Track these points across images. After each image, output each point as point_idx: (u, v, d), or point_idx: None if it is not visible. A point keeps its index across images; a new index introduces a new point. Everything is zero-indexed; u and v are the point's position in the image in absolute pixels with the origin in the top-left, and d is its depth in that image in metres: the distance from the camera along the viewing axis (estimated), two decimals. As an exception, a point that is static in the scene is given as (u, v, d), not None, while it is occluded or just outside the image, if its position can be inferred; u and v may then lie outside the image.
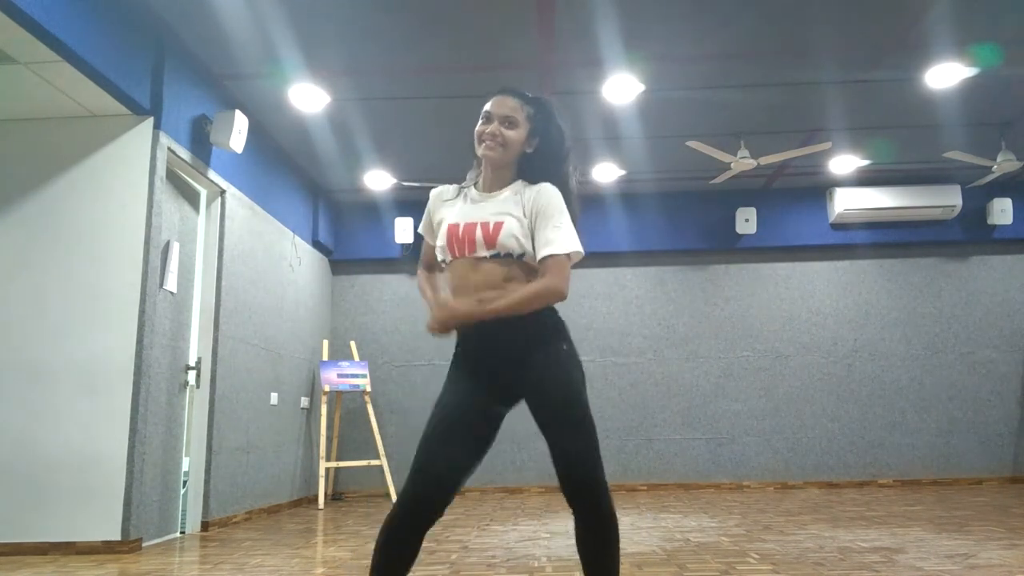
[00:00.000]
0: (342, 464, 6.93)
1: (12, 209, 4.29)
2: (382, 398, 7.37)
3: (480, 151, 1.99)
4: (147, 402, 4.24)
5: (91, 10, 3.77)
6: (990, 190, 7.21)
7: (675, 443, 7.29)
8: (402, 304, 7.56)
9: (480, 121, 2.01)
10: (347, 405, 7.38)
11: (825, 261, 7.58)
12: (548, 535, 4.30)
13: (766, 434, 7.28)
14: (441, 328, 1.90)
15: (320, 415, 6.75)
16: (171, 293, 4.65)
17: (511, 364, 1.90)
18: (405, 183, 6.92)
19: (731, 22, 4.45)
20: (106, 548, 3.96)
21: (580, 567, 1.90)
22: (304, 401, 6.76)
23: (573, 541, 1.87)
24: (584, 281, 7.57)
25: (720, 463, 7.25)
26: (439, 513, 1.79)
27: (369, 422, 6.91)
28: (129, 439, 4.06)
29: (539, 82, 5.12)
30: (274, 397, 6.05)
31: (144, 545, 4.23)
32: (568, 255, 1.90)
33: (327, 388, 6.70)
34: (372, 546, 1.82)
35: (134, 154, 4.32)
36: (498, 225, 1.91)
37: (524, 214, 1.94)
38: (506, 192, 1.99)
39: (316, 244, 7.18)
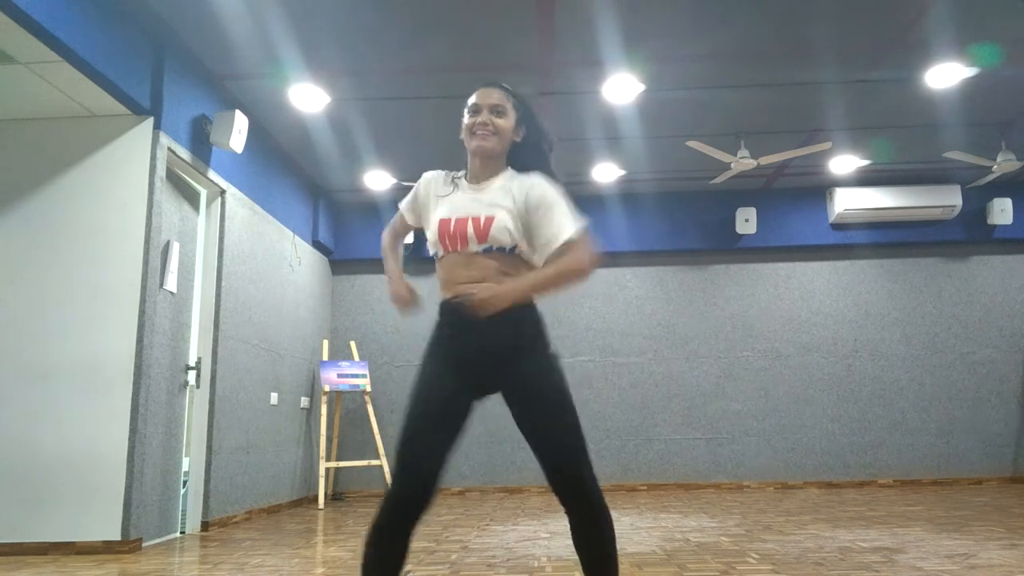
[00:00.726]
0: (342, 464, 6.93)
1: (12, 209, 4.29)
2: (382, 398, 7.37)
3: (473, 143, 1.98)
4: (147, 402, 4.24)
5: (91, 10, 3.77)
6: (990, 190, 7.21)
7: (675, 443, 7.29)
8: (402, 304, 7.54)
9: (467, 115, 2.00)
10: (347, 405, 7.38)
11: (825, 261, 7.58)
12: (548, 535, 4.29)
13: (766, 434, 7.28)
14: (406, 304, 2.07)
15: (320, 415, 6.75)
16: (171, 293, 4.65)
17: (498, 362, 1.89)
18: (405, 183, 6.92)
19: (731, 22, 4.45)
20: (106, 548, 3.96)
21: (579, 567, 1.90)
22: (304, 401, 6.76)
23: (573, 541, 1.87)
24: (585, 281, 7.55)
25: (720, 463, 7.25)
26: (426, 509, 1.79)
27: (369, 422, 6.91)
28: (129, 439, 4.06)
29: (539, 82, 5.12)
30: (274, 397, 6.05)
31: (144, 545, 4.23)
32: (586, 234, 1.87)
33: (327, 388, 6.71)
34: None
35: (134, 154, 4.32)
36: (489, 219, 1.91)
37: (515, 205, 1.93)
38: (496, 182, 1.99)
39: (316, 244, 7.18)
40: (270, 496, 5.91)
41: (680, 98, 5.41)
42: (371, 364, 7.39)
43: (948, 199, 7.11)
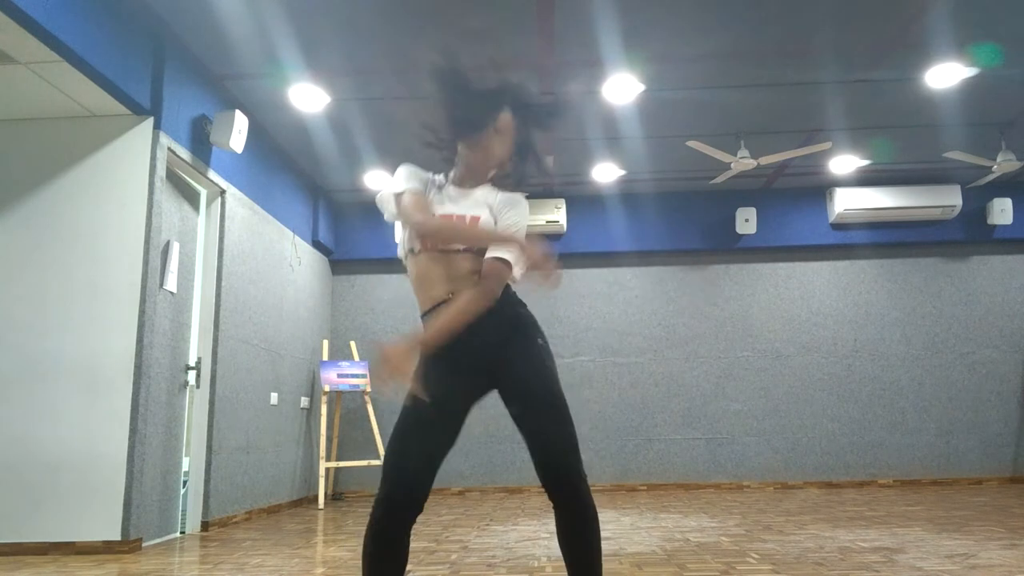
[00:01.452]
0: (342, 464, 6.93)
1: (12, 209, 4.29)
2: (382, 398, 7.37)
3: (465, 148, 1.97)
4: (147, 402, 4.24)
5: (91, 10, 3.77)
6: (990, 190, 7.21)
7: (675, 443, 7.29)
8: (402, 304, 7.56)
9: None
10: (347, 405, 7.38)
11: (825, 261, 7.58)
12: (548, 535, 4.29)
13: (766, 434, 7.28)
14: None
15: (320, 415, 6.75)
16: (171, 293, 4.65)
17: (491, 356, 1.88)
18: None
19: (731, 22, 4.45)
20: (106, 548, 3.96)
21: (565, 563, 1.88)
22: (304, 401, 6.76)
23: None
24: (584, 281, 7.57)
25: (720, 463, 7.25)
26: (418, 511, 1.77)
27: (369, 422, 6.91)
28: (129, 439, 4.06)
29: (539, 82, 5.12)
30: (274, 397, 6.05)
31: (144, 545, 4.23)
32: (509, 265, 1.84)
33: (327, 388, 6.71)
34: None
35: (134, 154, 4.32)
36: (475, 219, 1.91)
37: (492, 213, 1.94)
38: (479, 192, 1.99)
39: (316, 244, 7.18)
40: (270, 496, 5.91)
41: (680, 98, 5.40)
42: (371, 364, 7.38)
43: (948, 199, 7.11)
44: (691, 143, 5.81)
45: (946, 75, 5.08)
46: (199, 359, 5.00)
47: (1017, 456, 7.16)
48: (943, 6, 4.29)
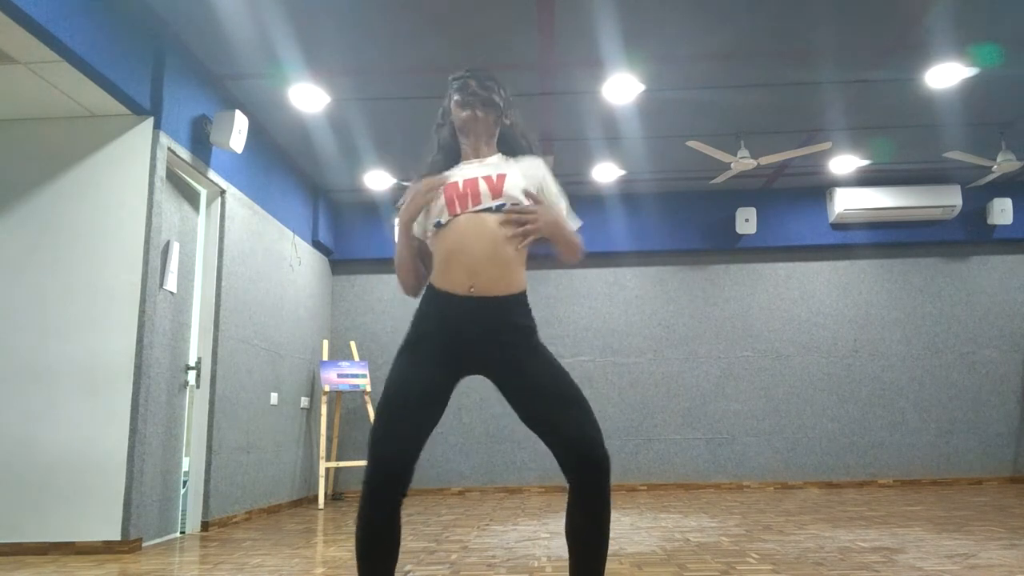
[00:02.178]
0: (342, 464, 6.93)
1: (12, 209, 4.29)
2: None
3: (464, 114, 1.97)
4: (147, 402, 4.24)
5: (91, 10, 3.77)
6: (990, 190, 7.21)
7: (675, 443, 7.29)
8: (402, 304, 7.56)
9: (455, 94, 1.99)
10: (347, 405, 7.38)
11: (825, 261, 7.58)
12: (548, 535, 4.29)
13: (766, 434, 7.28)
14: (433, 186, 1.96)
15: (320, 415, 6.75)
16: (171, 293, 4.65)
17: (496, 347, 1.87)
18: (405, 183, 6.92)
19: (731, 22, 4.45)
20: (106, 548, 3.96)
21: (571, 555, 1.85)
22: (304, 401, 6.77)
23: (564, 538, 1.86)
24: (584, 281, 7.57)
25: (720, 463, 7.25)
26: (403, 491, 1.80)
27: (369, 422, 6.90)
28: (129, 439, 4.06)
29: (539, 82, 5.12)
30: (274, 397, 6.05)
31: (144, 545, 4.23)
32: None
33: (327, 388, 6.71)
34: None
35: (134, 154, 4.32)
36: (501, 176, 1.92)
37: (525, 172, 1.97)
38: (494, 158, 2.00)
39: (316, 244, 7.18)
40: (270, 496, 5.91)
41: (680, 98, 5.41)
42: (371, 364, 7.38)
43: (948, 199, 7.11)
44: (691, 143, 5.81)
45: (946, 75, 5.08)
46: (199, 359, 5.00)
47: (1017, 456, 7.16)
48: (943, 6, 4.29)
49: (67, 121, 4.35)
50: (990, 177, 6.59)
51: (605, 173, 6.88)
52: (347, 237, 7.64)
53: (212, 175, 5.03)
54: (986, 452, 7.18)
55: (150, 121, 4.36)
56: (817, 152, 6.10)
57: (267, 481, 5.86)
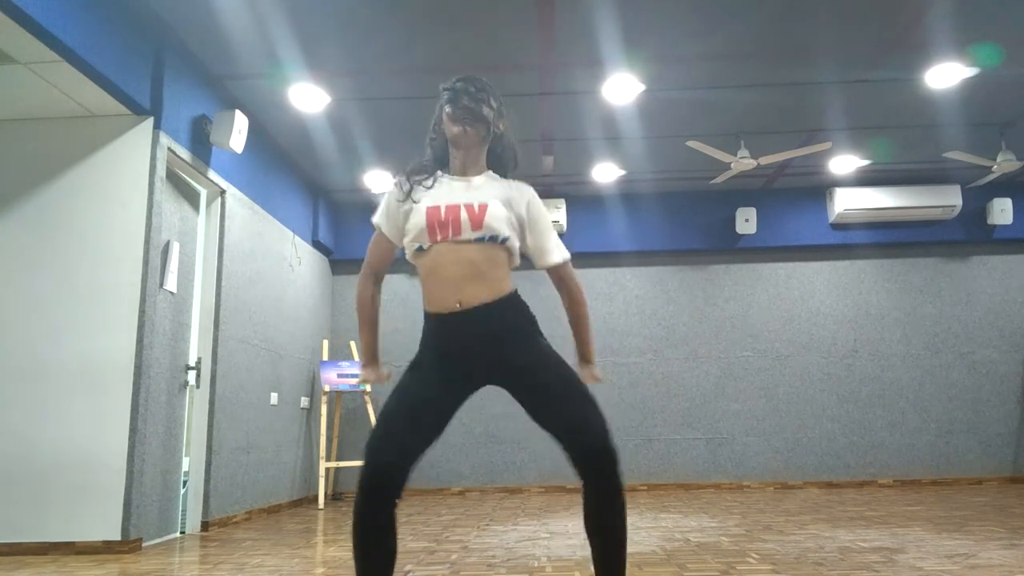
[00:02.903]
0: (342, 464, 6.93)
1: (12, 209, 4.29)
2: (382, 398, 7.36)
3: (455, 129, 1.97)
4: (147, 402, 4.24)
5: (91, 10, 3.77)
6: (990, 190, 7.21)
7: (675, 443, 7.29)
8: (402, 304, 7.56)
9: (447, 106, 1.98)
10: (347, 405, 7.38)
11: (825, 261, 7.58)
12: (548, 535, 4.29)
13: (766, 434, 7.28)
14: (374, 381, 2.12)
15: (320, 415, 6.75)
16: (171, 293, 4.65)
17: (496, 353, 1.89)
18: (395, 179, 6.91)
19: (731, 22, 4.45)
20: (106, 548, 3.96)
21: (590, 560, 1.86)
22: (304, 401, 6.77)
23: (573, 541, 1.86)
24: (584, 281, 7.51)
25: (720, 463, 7.25)
26: (396, 497, 1.79)
27: (369, 422, 6.91)
28: (129, 439, 4.06)
29: (539, 82, 5.12)
30: (274, 397, 6.05)
31: (144, 545, 4.23)
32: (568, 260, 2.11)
33: (327, 388, 6.71)
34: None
35: (134, 154, 4.32)
36: (483, 206, 1.91)
37: (508, 200, 1.97)
38: (480, 179, 1.99)
39: (316, 244, 7.18)
40: (270, 496, 5.91)
41: (680, 98, 5.41)
42: (371, 364, 7.37)
43: (948, 199, 7.11)
44: (691, 143, 5.81)
45: (946, 75, 5.08)
46: (199, 359, 5.00)
47: (1017, 456, 7.16)
48: (943, 6, 4.29)
49: (67, 121, 4.35)
50: (990, 177, 6.59)
51: (605, 173, 6.88)
52: (347, 237, 7.64)
53: (212, 175, 5.03)
54: (986, 452, 7.17)
55: (150, 121, 4.36)
56: (817, 152, 6.10)
57: (267, 481, 5.86)
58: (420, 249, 1.93)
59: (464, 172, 2.00)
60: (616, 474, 1.79)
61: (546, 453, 6.98)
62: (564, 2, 4.19)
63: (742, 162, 5.97)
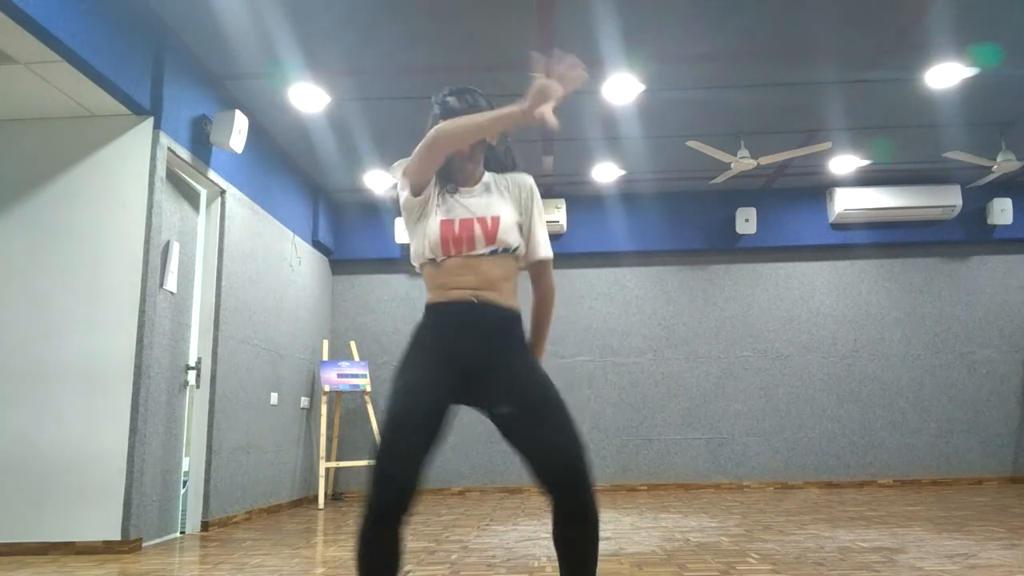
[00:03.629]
0: (342, 464, 6.93)
1: (12, 209, 4.29)
2: (382, 398, 7.36)
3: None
4: (147, 402, 4.24)
5: (91, 10, 3.77)
6: (990, 190, 7.21)
7: (675, 443, 7.29)
8: (402, 304, 7.56)
9: (441, 120, 1.94)
10: (347, 405, 7.38)
11: (825, 261, 7.58)
12: (548, 535, 4.29)
13: (766, 434, 7.28)
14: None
15: (320, 415, 6.75)
16: (171, 293, 4.65)
17: (489, 366, 1.86)
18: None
19: (731, 22, 4.45)
20: (106, 548, 3.96)
21: (560, 567, 1.80)
22: (304, 401, 6.76)
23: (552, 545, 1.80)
24: (584, 281, 7.57)
25: (720, 463, 7.25)
26: (408, 513, 1.71)
27: (369, 422, 6.91)
28: (129, 439, 4.06)
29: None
30: (274, 397, 6.05)
31: (144, 545, 4.23)
32: (551, 260, 2.07)
33: (327, 388, 6.71)
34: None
35: (134, 154, 4.32)
36: (495, 220, 1.90)
37: (513, 202, 1.96)
38: (483, 184, 1.98)
39: (316, 244, 7.18)
40: (270, 496, 5.91)
41: (680, 98, 5.41)
42: (371, 364, 7.39)
43: (948, 199, 7.11)
44: (691, 143, 5.81)
45: (946, 75, 5.08)
46: (199, 359, 5.00)
47: (1017, 456, 7.16)
48: (943, 6, 4.29)
49: (67, 121, 4.35)
50: (990, 177, 6.59)
51: (605, 173, 6.89)
52: (347, 237, 7.64)
53: (212, 175, 5.03)
54: (986, 452, 7.17)
55: (150, 121, 4.36)
56: (817, 152, 6.10)
57: (267, 481, 5.86)
58: (434, 260, 1.91)
59: (466, 182, 1.99)
60: (591, 504, 1.72)
61: (546, 453, 6.96)
62: (564, 2, 4.19)
63: (742, 162, 5.97)
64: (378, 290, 7.66)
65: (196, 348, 5.03)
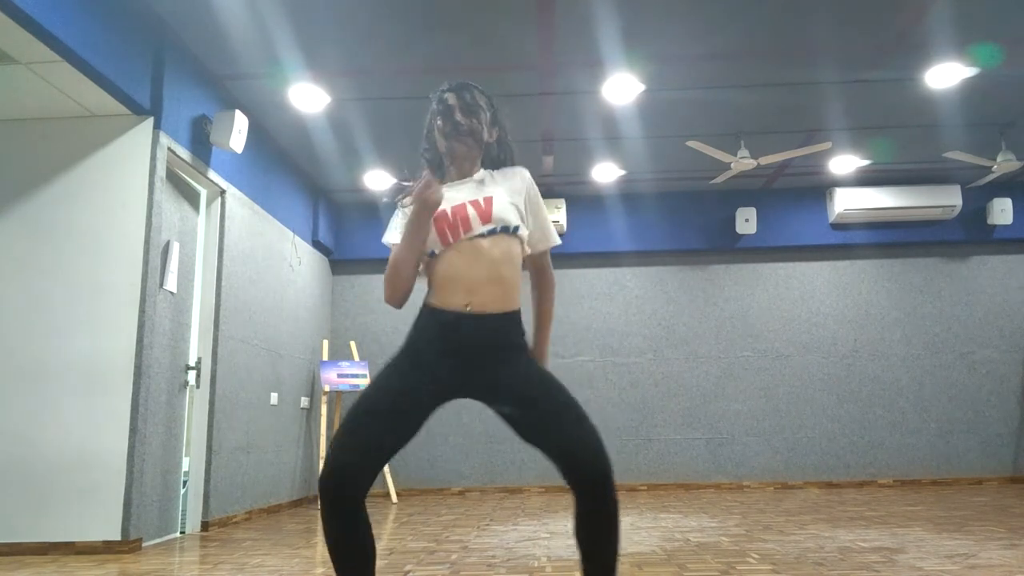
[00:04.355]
0: (342, 464, 6.91)
1: (12, 209, 4.29)
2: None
3: (446, 145, 1.96)
4: (147, 402, 4.23)
5: (91, 10, 3.77)
6: (990, 190, 7.21)
7: (675, 443, 7.29)
8: (402, 304, 7.55)
9: (438, 119, 1.96)
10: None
11: (825, 261, 7.58)
12: (548, 535, 4.29)
13: (766, 434, 7.28)
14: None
15: (320, 415, 6.75)
16: (171, 293, 4.65)
17: (491, 363, 1.86)
18: (405, 183, 6.91)
19: (731, 22, 4.45)
20: (106, 548, 3.96)
21: (582, 560, 1.84)
22: (304, 401, 6.77)
23: (573, 541, 1.85)
24: (584, 281, 7.57)
25: (720, 463, 7.25)
26: (360, 498, 1.74)
27: (369, 422, 6.89)
28: (129, 439, 4.06)
29: (539, 82, 5.12)
30: (274, 397, 6.05)
31: (144, 545, 4.23)
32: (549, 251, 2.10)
33: (327, 388, 6.71)
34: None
35: (134, 154, 4.32)
36: (488, 200, 1.90)
37: (506, 190, 1.95)
38: (471, 182, 1.98)
39: (316, 244, 7.18)
40: (270, 496, 5.91)
41: (680, 98, 5.41)
42: (371, 364, 7.38)
43: (948, 199, 7.11)
44: (691, 143, 5.81)
45: (946, 75, 5.08)
46: (199, 359, 5.00)
47: (1017, 456, 7.16)
48: (943, 6, 4.29)
49: (67, 121, 4.35)
50: (990, 177, 6.59)
51: (605, 173, 6.89)
52: (347, 237, 7.64)
53: (212, 175, 5.03)
54: (986, 452, 7.17)
55: (150, 121, 4.36)
56: (817, 152, 6.10)
57: (267, 481, 5.86)
58: (433, 255, 1.90)
59: (461, 174, 2.00)
60: (612, 493, 1.77)
61: (546, 453, 6.97)
62: (564, 2, 4.19)
63: (742, 162, 5.97)
64: (378, 290, 7.66)
65: (196, 348, 5.03)
